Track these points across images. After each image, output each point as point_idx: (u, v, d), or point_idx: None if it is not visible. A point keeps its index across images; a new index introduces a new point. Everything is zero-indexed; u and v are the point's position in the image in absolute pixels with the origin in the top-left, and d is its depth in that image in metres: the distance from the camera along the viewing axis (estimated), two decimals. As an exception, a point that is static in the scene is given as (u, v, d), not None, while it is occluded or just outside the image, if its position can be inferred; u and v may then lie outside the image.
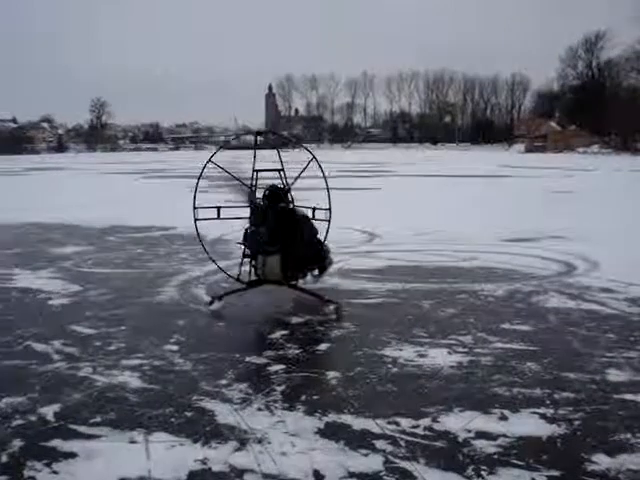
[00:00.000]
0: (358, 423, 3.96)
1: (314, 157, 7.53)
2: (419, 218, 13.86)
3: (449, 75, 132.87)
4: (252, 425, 3.94)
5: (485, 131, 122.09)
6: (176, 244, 10.96)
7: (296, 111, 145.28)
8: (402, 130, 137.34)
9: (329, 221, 7.38)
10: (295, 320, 6.32)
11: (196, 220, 7.35)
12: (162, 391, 4.53)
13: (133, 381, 4.73)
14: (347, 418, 4.04)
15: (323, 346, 5.52)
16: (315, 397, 4.38)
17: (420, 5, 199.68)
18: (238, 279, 7.19)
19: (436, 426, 3.92)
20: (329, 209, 7.37)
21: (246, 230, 7.13)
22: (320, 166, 7.51)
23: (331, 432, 3.85)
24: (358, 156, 70.12)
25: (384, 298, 7.12)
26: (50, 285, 7.93)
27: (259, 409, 4.18)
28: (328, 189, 7.36)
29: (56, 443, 3.77)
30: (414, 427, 3.91)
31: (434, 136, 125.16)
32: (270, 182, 7.24)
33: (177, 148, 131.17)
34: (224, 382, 4.66)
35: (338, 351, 5.41)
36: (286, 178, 7.30)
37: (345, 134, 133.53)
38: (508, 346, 5.44)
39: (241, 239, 7.23)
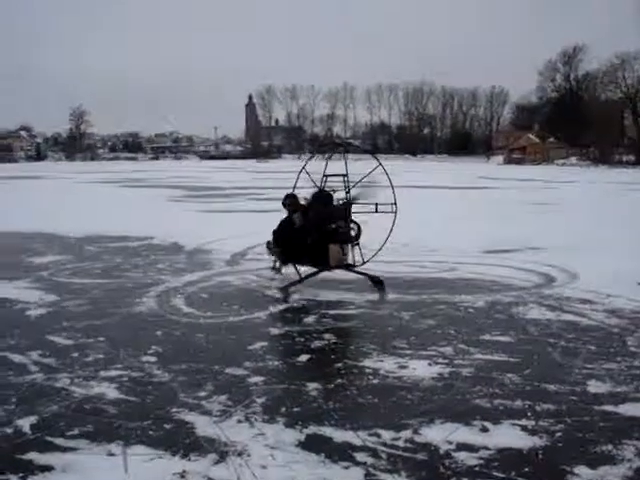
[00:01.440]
0: (339, 435, 3.94)
1: (380, 164, 8.68)
2: (398, 229, 13.82)
3: (428, 87, 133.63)
4: (232, 437, 3.90)
5: (464, 143, 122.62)
6: (154, 254, 10.87)
7: (276, 121, 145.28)
8: (382, 141, 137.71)
9: (395, 212, 8.85)
10: (274, 331, 6.29)
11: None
12: (140, 403, 4.48)
13: (111, 392, 4.67)
14: (328, 430, 4.01)
15: (303, 357, 5.48)
16: (295, 409, 4.34)
17: (399, 18, 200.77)
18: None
19: (417, 438, 3.91)
20: (394, 203, 8.81)
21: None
22: (386, 171, 8.70)
23: (312, 444, 3.83)
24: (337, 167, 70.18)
25: (364, 309, 7.12)
26: (27, 295, 7.84)
27: (239, 421, 4.15)
28: (392, 187, 8.80)
29: (32, 456, 3.72)
30: (395, 439, 3.89)
31: (413, 147, 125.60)
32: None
33: (157, 158, 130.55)
34: (203, 394, 4.62)
35: (318, 362, 5.37)
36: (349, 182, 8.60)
37: (325, 145, 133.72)
38: (488, 357, 5.44)
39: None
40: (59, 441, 3.90)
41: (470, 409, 4.36)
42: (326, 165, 8.71)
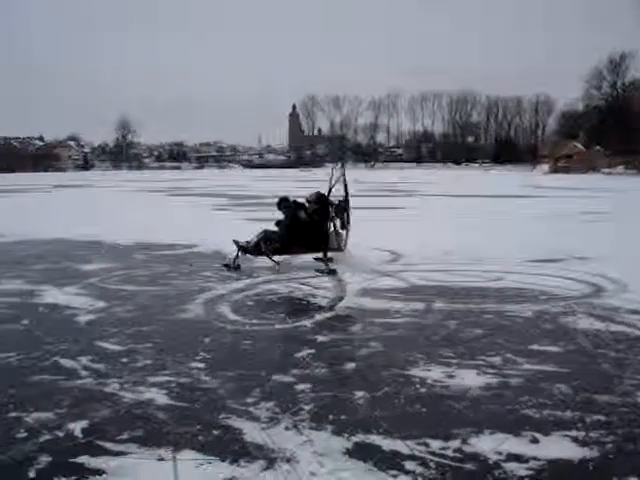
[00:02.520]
0: (387, 444, 3.93)
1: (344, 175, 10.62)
2: (444, 238, 13.79)
3: (472, 95, 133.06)
4: (280, 444, 3.92)
5: (509, 151, 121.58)
6: (200, 262, 10.96)
7: (319, 130, 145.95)
8: (425, 150, 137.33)
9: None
10: (321, 339, 6.28)
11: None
12: (189, 408, 4.52)
13: (160, 398, 4.72)
14: (376, 438, 4.00)
15: (350, 365, 5.47)
16: (343, 417, 4.34)
17: (445, 27, 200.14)
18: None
19: (466, 448, 3.88)
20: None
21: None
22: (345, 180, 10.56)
23: (360, 452, 3.82)
24: (381, 175, 70.21)
25: (410, 318, 7.08)
26: (77, 301, 7.97)
27: (287, 428, 4.16)
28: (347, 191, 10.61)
29: (84, 459, 3.77)
30: (444, 448, 3.87)
31: (457, 156, 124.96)
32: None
33: (201, 167, 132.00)
34: (251, 400, 4.64)
35: (365, 371, 5.35)
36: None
37: (368, 154, 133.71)
38: (537, 367, 5.38)
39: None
40: (110, 445, 3.95)
41: (519, 419, 4.31)
42: (331, 176, 10.63)
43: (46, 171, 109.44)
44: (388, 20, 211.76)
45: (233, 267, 10.17)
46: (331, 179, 10.59)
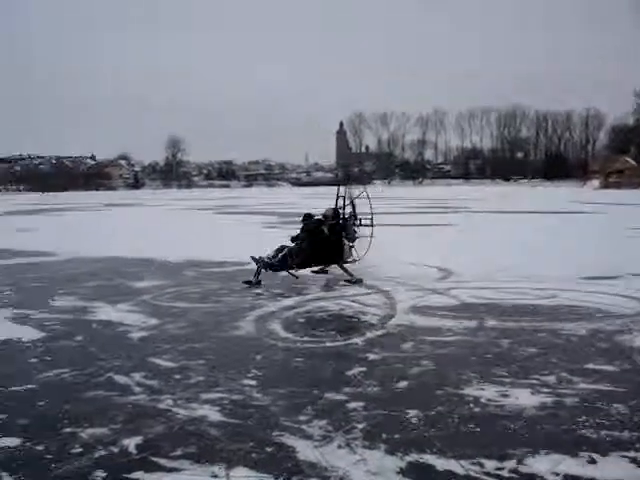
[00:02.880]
0: (441, 463, 3.88)
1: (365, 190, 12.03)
2: (495, 255, 13.66)
3: (521, 110, 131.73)
4: (333, 462, 3.90)
5: (559, 167, 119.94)
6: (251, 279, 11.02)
7: (367, 148, 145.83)
8: (473, 166, 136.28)
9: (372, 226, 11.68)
10: (372, 357, 6.25)
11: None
12: (242, 425, 4.53)
13: (213, 415, 4.75)
14: (429, 458, 3.96)
15: (402, 384, 5.43)
16: (396, 436, 4.30)
17: (491, 41, 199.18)
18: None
19: (522, 468, 3.82)
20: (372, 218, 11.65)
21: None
22: (369, 197, 11.71)
23: (413, 472, 3.79)
24: (429, 192, 69.84)
25: (462, 336, 7.01)
26: (129, 318, 8.08)
27: (339, 446, 4.14)
28: (371, 207, 11.54)
29: (138, 475, 3.81)
30: (499, 469, 3.81)
31: (506, 172, 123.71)
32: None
33: (250, 185, 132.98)
34: (303, 418, 4.64)
35: (417, 389, 5.31)
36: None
37: (416, 170, 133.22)
38: (593, 387, 5.27)
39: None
40: (163, 461, 3.98)
41: (576, 439, 4.23)
42: (338, 192, 11.77)
43: (97, 190, 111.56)
44: (434, 37, 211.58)
45: (255, 283, 10.46)
46: (337, 199, 11.66)
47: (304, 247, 10.90)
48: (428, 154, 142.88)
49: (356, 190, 12.07)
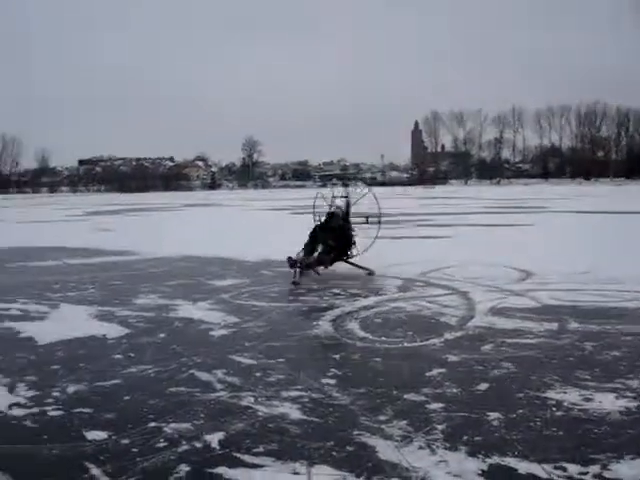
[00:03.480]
0: (523, 467, 3.82)
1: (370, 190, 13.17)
2: (577, 255, 13.36)
3: (602, 108, 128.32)
4: (413, 463, 3.89)
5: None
6: (328, 279, 11.07)
7: (442, 147, 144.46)
8: (552, 165, 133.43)
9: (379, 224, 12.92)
10: (451, 358, 6.20)
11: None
12: (322, 424, 4.56)
13: (293, 413, 4.79)
14: (511, 461, 3.91)
15: (483, 386, 5.37)
16: (477, 438, 4.26)
17: (569, 36, 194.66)
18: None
19: (607, 474, 3.73)
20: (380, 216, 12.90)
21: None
22: (375, 197, 12.79)
23: (495, 474, 3.74)
24: (508, 192, 68.72)
25: (543, 338, 6.89)
26: (210, 316, 8.22)
27: (420, 447, 4.12)
28: (379, 207, 12.74)
29: (221, 470, 3.86)
30: (582, 473, 3.73)
31: (586, 171, 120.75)
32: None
33: (324, 185, 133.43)
34: (383, 418, 4.64)
35: (498, 391, 5.24)
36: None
37: (493, 169, 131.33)
38: (682, 393, 5.12)
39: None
40: (246, 457, 4.04)
41: (665, 446, 4.11)
42: (333, 191, 12.97)
43: (176, 190, 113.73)
44: (510, 33, 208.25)
45: (297, 282, 10.69)
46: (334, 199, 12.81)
47: (334, 245, 11.71)
48: (505, 153, 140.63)
49: (359, 189, 13.21)
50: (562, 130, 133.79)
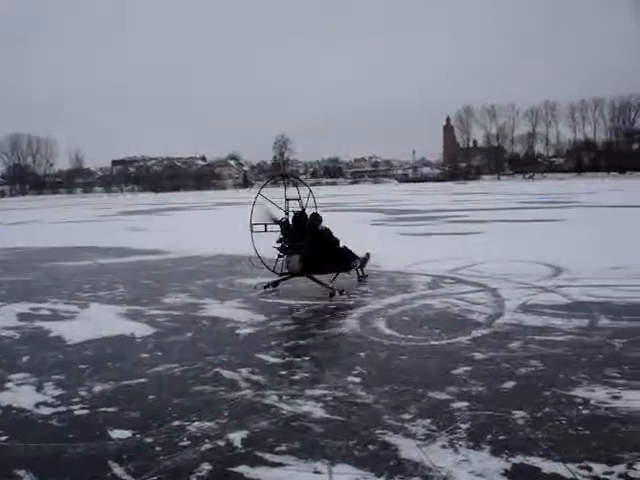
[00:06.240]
0: (547, 466, 3.77)
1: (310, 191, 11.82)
2: (609, 251, 13.18)
3: (636, 101, 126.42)
4: (436, 462, 3.85)
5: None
6: (356, 277, 11.04)
7: (474, 142, 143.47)
8: (587, 159, 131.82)
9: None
10: (478, 356, 6.14)
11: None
12: (345, 423, 4.54)
13: (317, 411, 4.78)
14: (535, 460, 3.85)
15: (508, 384, 5.31)
16: (501, 437, 4.21)
17: (600, 30, 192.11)
18: (274, 271, 10.55)
19: (632, 474, 3.66)
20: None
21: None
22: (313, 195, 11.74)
23: (519, 474, 3.69)
24: (541, 186, 68.02)
25: (572, 335, 6.79)
26: (237, 314, 8.25)
27: (443, 446, 4.09)
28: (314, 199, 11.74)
29: (243, 469, 3.86)
30: (608, 473, 3.67)
31: (621, 165, 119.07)
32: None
33: (356, 182, 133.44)
34: (407, 417, 4.60)
35: (524, 390, 5.18)
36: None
37: (526, 164, 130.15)
38: None
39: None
40: (268, 456, 4.03)
41: (694, 446, 4.03)
42: (285, 191, 11.63)
43: (208, 189, 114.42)
44: (542, 27, 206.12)
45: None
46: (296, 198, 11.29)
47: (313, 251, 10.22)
48: (538, 147, 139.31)
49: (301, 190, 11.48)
50: (596, 124, 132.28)
